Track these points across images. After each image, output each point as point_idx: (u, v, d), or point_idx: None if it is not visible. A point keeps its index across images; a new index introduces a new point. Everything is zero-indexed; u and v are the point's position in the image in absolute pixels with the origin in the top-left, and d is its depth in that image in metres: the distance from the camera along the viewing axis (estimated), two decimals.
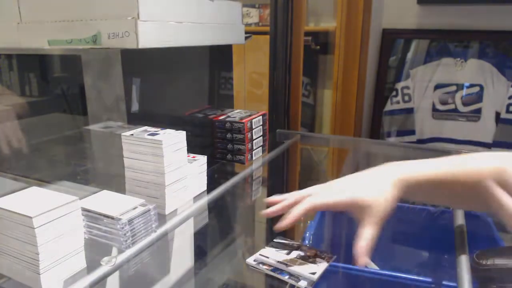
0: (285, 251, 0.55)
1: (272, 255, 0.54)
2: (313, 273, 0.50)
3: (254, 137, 1.00)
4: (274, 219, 0.67)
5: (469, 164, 0.54)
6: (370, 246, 0.51)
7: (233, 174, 0.96)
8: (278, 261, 0.53)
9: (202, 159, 0.81)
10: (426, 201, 0.57)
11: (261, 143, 1.05)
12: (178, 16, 0.81)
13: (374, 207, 0.51)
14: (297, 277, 0.50)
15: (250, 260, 0.54)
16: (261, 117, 1.02)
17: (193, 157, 0.80)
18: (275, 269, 0.52)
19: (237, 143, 0.97)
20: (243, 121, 0.95)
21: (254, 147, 1.01)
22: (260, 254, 0.54)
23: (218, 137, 0.99)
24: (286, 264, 0.52)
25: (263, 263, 0.53)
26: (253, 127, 0.99)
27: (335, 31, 1.75)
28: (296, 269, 0.51)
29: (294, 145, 1.29)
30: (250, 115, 1.00)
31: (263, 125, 1.04)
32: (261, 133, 1.04)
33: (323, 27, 1.95)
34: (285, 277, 0.50)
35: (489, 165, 0.52)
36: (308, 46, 1.87)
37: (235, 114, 1.02)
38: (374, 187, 0.53)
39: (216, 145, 1.00)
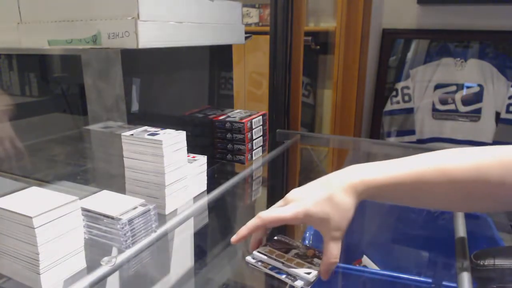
0: (284, 250, 0.55)
1: (271, 253, 0.54)
2: (310, 274, 0.50)
3: (254, 137, 1.00)
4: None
5: (437, 162, 0.51)
6: (337, 261, 0.50)
7: (233, 174, 0.96)
8: (276, 260, 0.53)
9: (202, 159, 0.81)
10: (395, 203, 0.55)
11: (261, 143, 1.05)
12: (178, 16, 0.81)
13: (332, 221, 0.49)
14: (294, 277, 0.50)
15: (250, 258, 0.54)
16: (261, 117, 1.02)
17: (193, 157, 0.80)
18: (273, 268, 0.52)
19: (237, 143, 0.97)
20: (243, 121, 0.95)
21: (254, 147, 1.01)
22: (258, 251, 0.54)
23: (218, 137, 0.99)
24: (284, 263, 0.52)
25: (262, 262, 0.53)
26: (253, 127, 0.99)
27: (335, 31, 1.75)
28: (293, 268, 0.51)
29: (294, 145, 1.29)
30: (250, 115, 1.00)
31: (263, 125, 1.04)
32: (261, 133, 1.04)
33: (323, 27, 1.95)
34: (282, 277, 0.50)
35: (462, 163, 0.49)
36: (308, 46, 1.87)
37: (235, 114, 1.02)
38: (329, 198, 0.49)
39: (216, 145, 1.00)
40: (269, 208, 0.54)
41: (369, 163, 0.54)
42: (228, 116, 0.99)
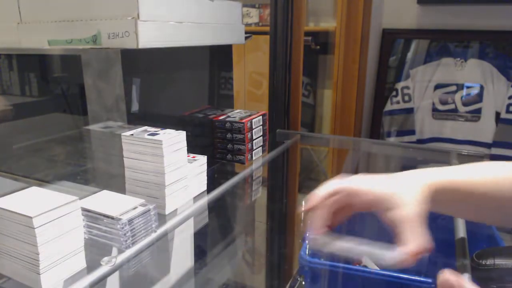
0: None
1: (333, 239, 0.47)
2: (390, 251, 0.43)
3: (254, 137, 1.00)
4: (273, 220, 0.66)
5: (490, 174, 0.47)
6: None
7: (233, 174, 0.96)
8: (346, 242, 0.46)
9: (202, 159, 0.81)
10: (456, 214, 0.52)
11: (261, 143, 1.05)
12: (178, 16, 0.81)
13: (408, 211, 0.44)
14: (377, 255, 0.44)
15: (317, 238, 0.47)
16: (261, 117, 1.02)
17: (193, 157, 0.80)
18: (349, 248, 0.45)
19: (237, 143, 0.97)
20: (243, 121, 0.95)
21: (254, 147, 1.01)
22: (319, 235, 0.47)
23: (218, 137, 0.99)
24: (355, 246, 0.46)
25: (330, 243, 0.46)
26: (253, 127, 0.99)
27: (335, 31, 1.75)
28: (371, 248, 0.44)
29: (294, 145, 1.29)
30: (250, 115, 1.00)
31: (263, 125, 1.04)
32: (261, 133, 1.04)
33: (323, 27, 1.95)
34: (365, 257, 0.45)
35: None
36: (308, 46, 1.87)
37: (235, 114, 1.02)
38: (408, 189, 0.46)
39: (216, 145, 1.00)
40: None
41: (442, 167, 0.51)
42: (228, 116, 0.99)
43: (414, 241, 0.43)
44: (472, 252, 0.60)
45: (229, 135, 0.97)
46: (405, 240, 0.43)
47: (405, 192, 0.46)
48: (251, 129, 0.98)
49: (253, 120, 0.99)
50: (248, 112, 1.03)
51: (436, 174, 0.49)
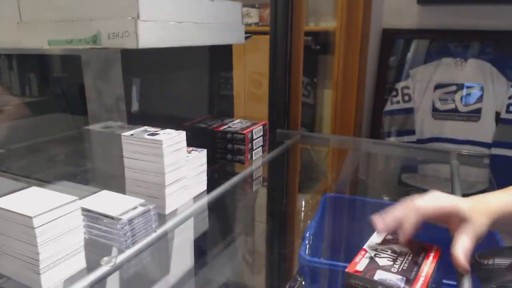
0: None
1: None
2: None
3: (254, 137, 1.00)
4: (273, 220, 0.66)
5: None
6: (468, 256, 0.52)
7: (233, 174, 0.96)
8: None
9: (203, 159, 0.81)
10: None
11: (261, 143, 1.05)
12: (178, 16, 0.81)
13: (474, 223, 0.53)
14: None
15: None
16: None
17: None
18: None
19: (237, 143, 0.97)
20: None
21: (254, 147, 1.01)
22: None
23: (218, 137, 0.99)
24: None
25: None
26: (254, 137, 0.99)
27: (335, 31, 1.74)
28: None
29: (294, 145, 1.29)
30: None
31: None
32: (261, 133, 1.04)
33: (323, 27, 1.95)
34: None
35: None
36: (308, 46, 1.87)
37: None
38: (474, 206, 0.55)
39: (216, 145, 1.00)
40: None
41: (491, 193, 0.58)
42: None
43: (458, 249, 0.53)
44: (473, 251, 0.60)
45: (229, 135, 0.97)
46: (456, 244, 0.54)
47: (472, 211, 0.54)
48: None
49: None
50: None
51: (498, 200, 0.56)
